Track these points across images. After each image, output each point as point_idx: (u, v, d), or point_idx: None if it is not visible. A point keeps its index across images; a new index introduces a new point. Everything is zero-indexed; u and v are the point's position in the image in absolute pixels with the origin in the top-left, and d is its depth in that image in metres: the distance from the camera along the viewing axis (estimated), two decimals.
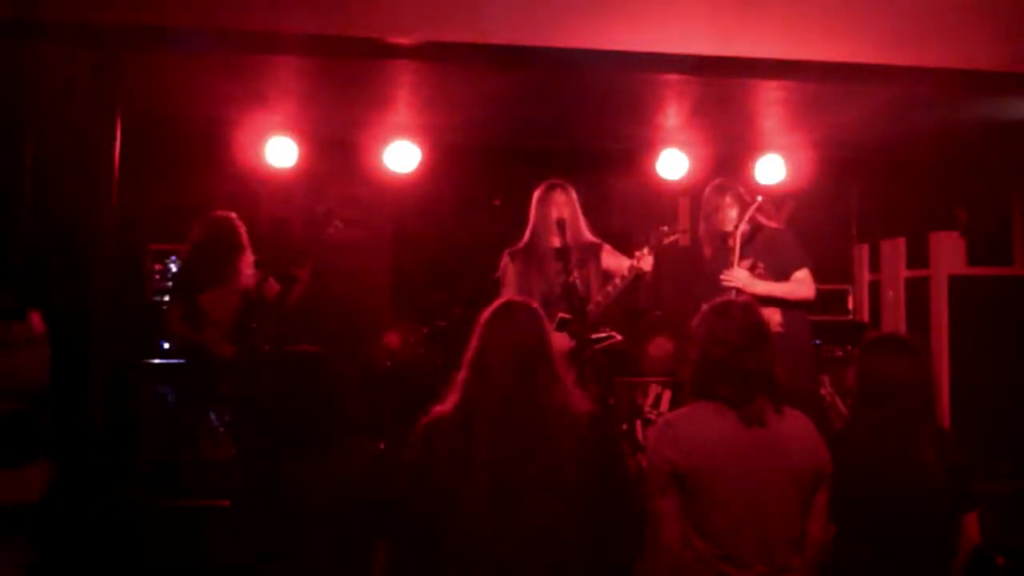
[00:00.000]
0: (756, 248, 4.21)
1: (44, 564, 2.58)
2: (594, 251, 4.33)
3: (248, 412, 4.61)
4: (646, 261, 4.11)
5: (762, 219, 4.28)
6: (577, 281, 4.02)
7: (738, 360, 2.47)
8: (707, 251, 4.46)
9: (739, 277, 4.07)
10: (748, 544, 2.36)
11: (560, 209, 4.24)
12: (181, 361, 4.90)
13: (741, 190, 4.37)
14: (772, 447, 2.42)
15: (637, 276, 4.13)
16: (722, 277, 4.09)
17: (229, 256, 4.80)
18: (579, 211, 4.34)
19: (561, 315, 4.03)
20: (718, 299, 2.81)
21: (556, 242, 4.22)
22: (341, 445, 2.50)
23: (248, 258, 4.87)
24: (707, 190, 4.42)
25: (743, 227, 4.17)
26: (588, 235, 4.37)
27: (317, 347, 2.64)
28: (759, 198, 4.25)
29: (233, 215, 4.86)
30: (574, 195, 4.33)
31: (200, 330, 4.73)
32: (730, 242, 4.25)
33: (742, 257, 4.15)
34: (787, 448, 2.45)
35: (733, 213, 4.27)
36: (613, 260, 4.33)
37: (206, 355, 4.73)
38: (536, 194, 4.36)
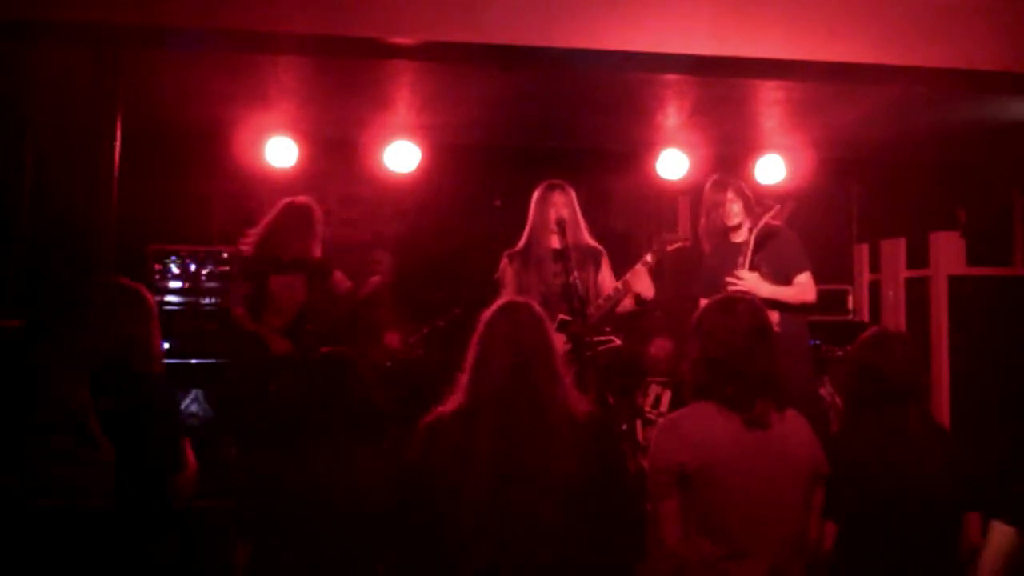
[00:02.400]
0: (761, 251, 4.19)
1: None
2: (595, 257, 4.31)
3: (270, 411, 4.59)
4: (645, 287, 4.07)
5: (773, 223, 4.25)
6: (577, 281, 4.01)
7: (741, 361, 2.45)
8: (706, 247, 4.44)
9: (748, 279, 4.04)
10: (753, 544, 2.35)
11: (559, 209, 4.22)
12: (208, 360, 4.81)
13: (741, 184, 4.35)
14: (776, 447, 2.42)
15: (629, 292, 4.11)
16: (730, 279, 4.06)
17: (303, 241, 4.69)
18: (579, 212, 4.32)
19: (562, 316, 4.03)
20: (722, 295, 2.78)
21: (555, 243, 4.20)
22: (358, 445, 2.50)
23: (318, 246, 4.76)
24: (707, 186, 4.40)
25: (757, 231, 4.13)
26: (588, 238, 4.35)
27: (345, 349, 2.65)
28: (777, 205, 4.20)
29: (311, 201, 4.76)
30: (573, 195, 4.31)
31: (259, 318, 4.60)
32: (731, 237, 4.24)
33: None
34: (789, 448, 2.44)
35: (735, 208, 4.25)
36: (608, 276, 4.30)
37: (259, 349, 4.56)
38: (535, 194, 4.34)
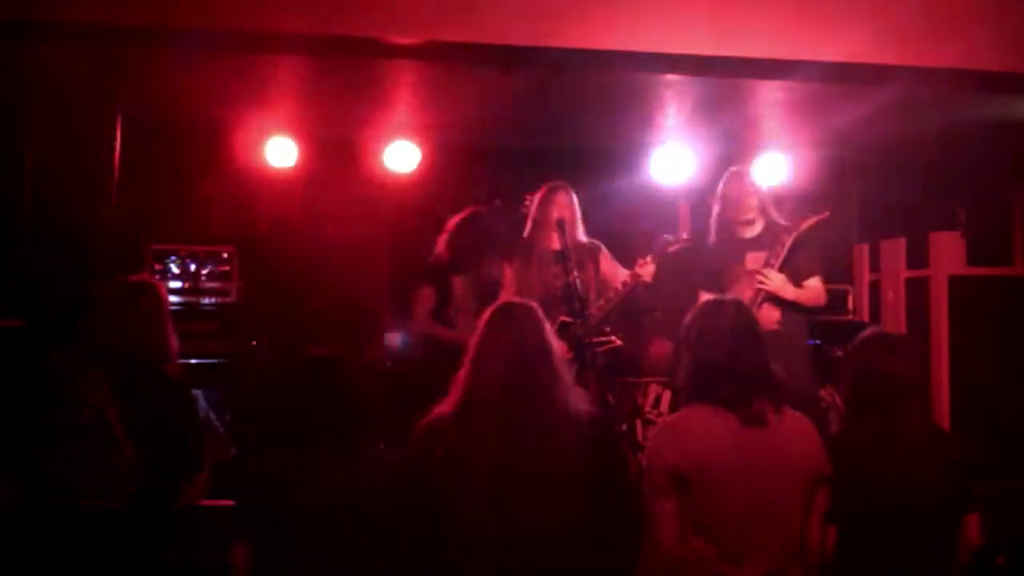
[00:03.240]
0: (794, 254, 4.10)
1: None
2: (593, 254, 4.32)
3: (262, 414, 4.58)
4: (647, 270, 4.07)
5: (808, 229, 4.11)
6: (577, 282, 4.01)
7: (733, 363, 2.44)
8: (713, 239, 4.33)
9: (775, 280, 3.95)
10: (749, 545, 2.35)
11: (561, 210, 4.23)
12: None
13: (758, 179, 4.31)
14: (773, 448, 2.41)
15: (637, 284, 4.10)
16: (759, 277, 3.96)
17: (483, 250, 4.67)
18: (578, 213, 4.32)
19: (562, 318, 4.02)
20: (708, 298, 2.78)
21: (556, 243, 4.21)
22: (355, 447, 2.50)
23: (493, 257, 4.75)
24: (726, 176, 4.28)
25: (798, 234, 4.03)
26: (586, 238, 4.35)
27: (336, 350, 2.64)
28: (826, 213, 4.07)
29: (491, 217, 4.77)
30: (575, 197, 4.31)
31: (444, 320, 4.54)
32: (741, 232, 4.18)
33: (757, 254, 4.07)
34: (788, 449, 2.44)
35: (754, 202, 4.19)
36: (610, 267, 4.30)
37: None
38: (538, 195, 4.34)
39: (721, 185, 4.31)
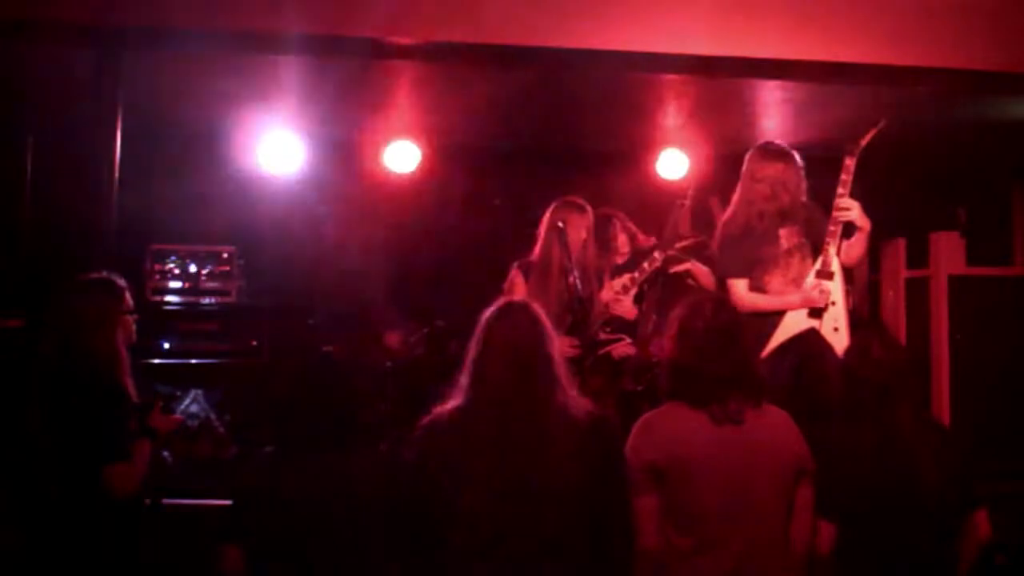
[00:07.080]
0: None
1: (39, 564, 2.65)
2: (599, 277, 4.26)
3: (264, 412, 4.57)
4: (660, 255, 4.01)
5: None
6: (578, 283, 3.95)
7: (707, 365, 2.46)
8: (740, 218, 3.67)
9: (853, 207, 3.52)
10: (728, 540, 2.37)
11: (572, 224, 4.05)
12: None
13: None
14: (750, 444, 2.43)
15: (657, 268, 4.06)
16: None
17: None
18: (591, 228, 4.14)
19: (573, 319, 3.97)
20: (692, 298, 2.77)
21: (566, 257, 4.04)
22: (351, 447, 2.50)
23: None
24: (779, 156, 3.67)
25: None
26: (596, 259, 4.26)
27: (335, 349, 2.64)
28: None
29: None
30: (590, 215, 4.15)
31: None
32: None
33: None
34: (765, 445, 2.45)
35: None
36: (609, 294, 4.25)
37: None
38: (549, 211, 4.17)
39: (768, 165, 3.66)
